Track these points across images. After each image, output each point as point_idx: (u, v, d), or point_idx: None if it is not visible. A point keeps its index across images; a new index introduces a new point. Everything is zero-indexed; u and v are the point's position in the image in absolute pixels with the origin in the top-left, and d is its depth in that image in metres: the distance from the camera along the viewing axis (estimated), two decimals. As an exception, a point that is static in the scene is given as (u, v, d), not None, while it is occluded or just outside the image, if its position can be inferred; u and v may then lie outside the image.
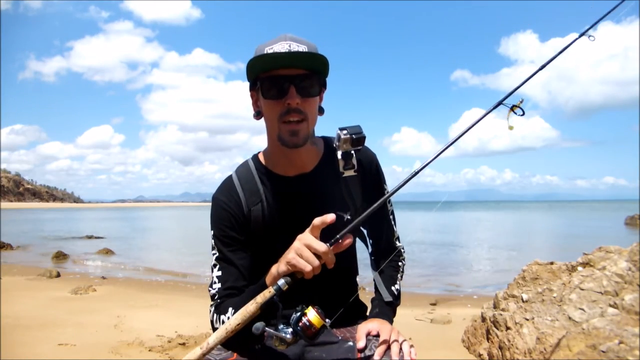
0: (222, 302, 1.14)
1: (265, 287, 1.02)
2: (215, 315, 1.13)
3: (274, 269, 1.03)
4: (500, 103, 1.13)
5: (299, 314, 0.96)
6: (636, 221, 22.48)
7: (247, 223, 1.19)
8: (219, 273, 1.17)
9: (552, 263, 3.08)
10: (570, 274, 2.85)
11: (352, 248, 1.29)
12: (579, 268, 2.81)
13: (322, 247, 0.95)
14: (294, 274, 0.98)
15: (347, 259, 1.27)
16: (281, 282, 0.97)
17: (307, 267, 0.95)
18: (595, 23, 1.26)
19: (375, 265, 1.33)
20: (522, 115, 1.13)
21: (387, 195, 1.06)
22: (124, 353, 3.34)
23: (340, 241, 0.98)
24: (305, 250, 0.96)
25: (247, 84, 1.20)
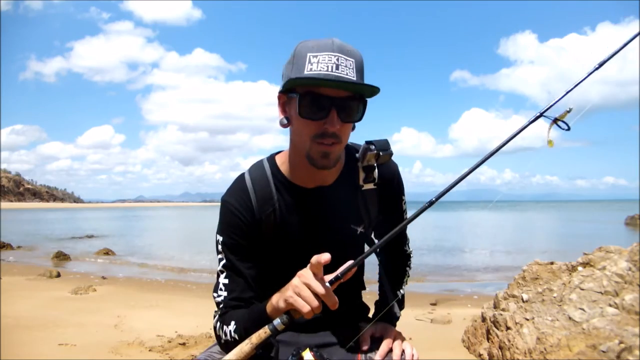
0: (227, 313, 1.11)
1: (265, 314, 1.00)
2: (218, 323, 1.11)
3: (275, 300, 0.98)
4: (541, 115, 0.97)
5: (295, 358, 0.94)
6: (636, 221, 22.49)
7: (257, 230, 1.14)
8: (226, 281, 1.13)
9: (552, 263, 3.08)
10: (570, 274, 2.85)
11: (358, 255, 1.28)
12: (579, 268, 2.81)
13: (321, 289, 0.91)
14: (291, 312, 0.94)
15: (355, 272, 1.27)
16: (277, 322, 0.94)
17: (305, 308, 0.91)
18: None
19: (385, 269, 1.31)
20: (567, 130, 0.93)
21: (404, 223, 1.02)
22: (124, 353, 3.34)
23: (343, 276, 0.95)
24: (304, 290, 0.91)
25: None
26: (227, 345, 1.06)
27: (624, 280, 2.50)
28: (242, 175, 1.18)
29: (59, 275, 7.82)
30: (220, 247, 1.14)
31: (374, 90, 1.00)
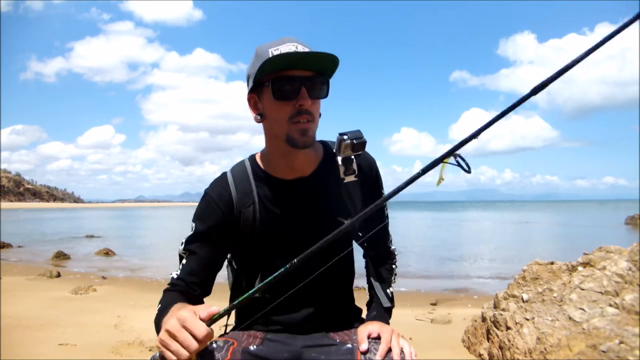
0: (167, 290, 1.15)
1: (161, 319, 0.99)
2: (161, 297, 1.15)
3: (166, 319, 0.94)
4: (450, 154, 0.91)
5: None
6: (636, 221, 22.49)
7: (235, 224, 1.17)
8: (184, 262, 1.17)
9: (552, 263, 3.08)
10: (570, 274, 2.85)
11: (349, 254, 1.28)
12: (579, 268, 2.81)
13: (192, 344, 0.83)
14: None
15: (346, 265, 1.27)
16: (155, 355, 0.91)
17: (172, 357, 0.84)
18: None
19: (372, 268, 1.33)
20: (467, 171, 0.90)
21: (378, 202, 0.95)
22: (124, 353, 3.34)
23: None
24: (172, 344, 0.84)
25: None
26: (155, 320, 1.09)
27: (624, 280, 2.50)
28: (224, 173, 1.24)
29: (59, 275, 7.82)
30: (191, 232, 1.18)
31: (334, 61, 1.06)
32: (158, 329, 0.99)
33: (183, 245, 1.18)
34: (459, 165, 0.90)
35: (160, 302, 1.11)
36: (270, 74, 1.06)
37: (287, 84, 1.06)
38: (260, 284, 0.91)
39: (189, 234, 1.18)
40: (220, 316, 0.88)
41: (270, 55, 1.05)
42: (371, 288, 1.31)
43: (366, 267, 1.36)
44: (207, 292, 1.20)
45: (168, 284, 1.16)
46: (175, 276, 1.16)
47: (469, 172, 0.89)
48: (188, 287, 1.14)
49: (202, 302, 1.14)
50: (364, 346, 1.09)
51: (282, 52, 1.05)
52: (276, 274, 0.91)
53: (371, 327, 1.14)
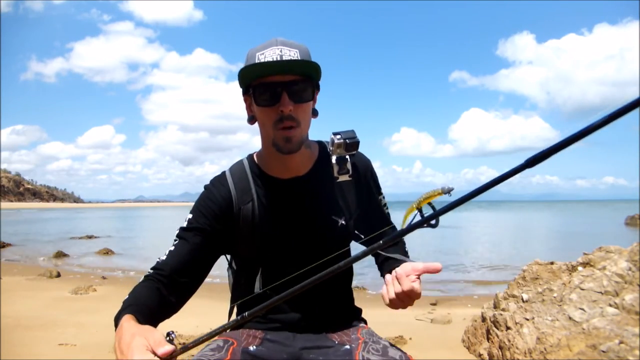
0: (143, 280, 1.10)
1: (118, 321, 1.01)
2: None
3: (120, 331, 0.94)
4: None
5: None
6: (636, 221, 22.47)
7: (234, 221, 1.17)
8: (171, 248, 1.13)
9: (552, 263, 3.08)
10: (570, 274, 2.85)
11: (348, 254, 1.28)
12: (579, 268, 2.81)
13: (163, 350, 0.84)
14: None
15: (345, 276, 1.27)
16: None
17: None
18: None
19: (384, 251, 1.21)
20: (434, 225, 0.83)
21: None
22: (124, 353, 3.34)
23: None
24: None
25: None
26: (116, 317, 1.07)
27: (624, 280, 2.50)
28: (223, 172, 1.25)
29: (59, 275, 7.82)
30: (185, 222, 1.16)
31: (317, 68, 1.07)
32: (117, 325, 0.98)
33: (175, 235, 1.15)
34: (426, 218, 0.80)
35: (129, 294, 1.08)
36: (254, 80, 1.09)
37: (268, 90, 1.07)
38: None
39: (183, 224, 1.16)
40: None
41: (257, 61, 1.07)
42: (383, 258, 1.22)
43: (376, 256, 1.26)
44: (191, 286, 1.14)
45: (149, 271, 1.11)
46: (157, 263, 1.11)
47: (434, 225, 0.82)
48: (156, 278, 1.09)
49: (181, 297, 1.12)
50: (415, 285, 0.99)
51: (267, 56, 1.07)
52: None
53: (406, 267, 1.02)
